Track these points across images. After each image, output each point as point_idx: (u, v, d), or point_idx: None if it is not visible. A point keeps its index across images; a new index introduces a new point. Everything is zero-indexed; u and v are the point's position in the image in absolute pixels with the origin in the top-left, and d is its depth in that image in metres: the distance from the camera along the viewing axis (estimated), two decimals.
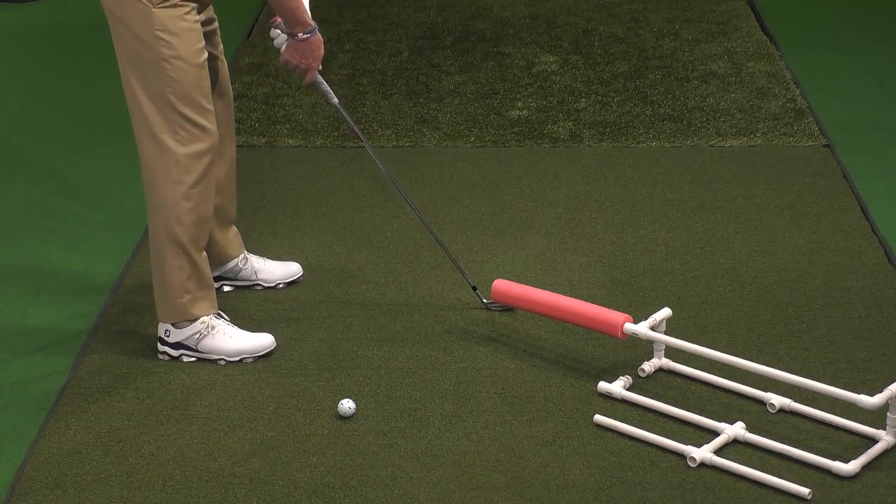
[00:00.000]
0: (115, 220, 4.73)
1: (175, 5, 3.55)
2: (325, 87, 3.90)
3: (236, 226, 4.11)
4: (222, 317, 3.83)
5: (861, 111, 5.55)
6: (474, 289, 4.04)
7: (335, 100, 3.94)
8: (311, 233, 4.58)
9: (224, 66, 3.90)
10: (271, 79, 5.94)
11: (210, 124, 3.66)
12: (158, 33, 3.53)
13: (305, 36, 3.72)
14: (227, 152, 3.95)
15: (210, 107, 3.67)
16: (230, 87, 3.94)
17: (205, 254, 3.79)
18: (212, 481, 3.29)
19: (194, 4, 3.61)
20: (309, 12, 3.73)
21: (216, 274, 4.07)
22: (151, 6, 3.52)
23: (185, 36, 3.57)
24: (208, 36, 3.77)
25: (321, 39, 3.78)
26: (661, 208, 4.69)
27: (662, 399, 3.55)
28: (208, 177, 3.69)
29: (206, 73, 3.66)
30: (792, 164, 5.02)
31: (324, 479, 3.29)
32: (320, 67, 3.84)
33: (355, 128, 4.02)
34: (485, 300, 4.02)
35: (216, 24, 3.84)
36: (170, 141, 3.61)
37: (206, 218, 3.74)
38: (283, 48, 3.78)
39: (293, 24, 3.70)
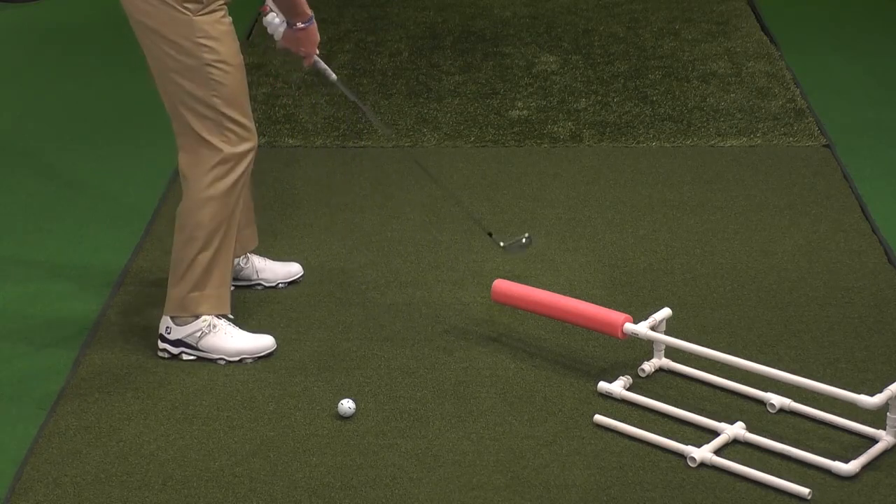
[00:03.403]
0: (115, 220, 4.73)
1: (213, 10, 3.58)
2: (323, 64, 3.93)
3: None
4: (226, 317, 3.83)
5: (861, 111, 5.55)
6: (490, 234, 4.11)
7: (334, 77, 3.97)
8: (311, 233, 4.57)
9: None
10: (271, 79, 5.94)
11: (252, 123, 3.73)
12: (200, 40, 3.56)
13: (304, 25, 3.76)
14: None
15: (249, 107, 3.72)
16: None
17: (232, 254, 3.80)
18: (212, 481, 3.29)
19: (226, 8, 3.64)
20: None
21: None
22: (192, 15, 3.54)
23: (224, 39, 3.62)
24: None
25: (316, 25, 3.83)
26: (661, 208, 4.69)
27: (662, 399, 3.55)
28: (247, 173, 3.74)
29: (245, 73, 3.71)
30: (792, 164, 5.02)
31: (324, 479, 3.29)
32: (318, 52, 3.87)
33: (359, 103, 4.09)
34: (501, 243, 4.06)
35: None
36: (217, 142, 3.65)
37: (238, 215, 3.76)
38: (280, 36, 3.82)
39: (293, 14, 3.75)
